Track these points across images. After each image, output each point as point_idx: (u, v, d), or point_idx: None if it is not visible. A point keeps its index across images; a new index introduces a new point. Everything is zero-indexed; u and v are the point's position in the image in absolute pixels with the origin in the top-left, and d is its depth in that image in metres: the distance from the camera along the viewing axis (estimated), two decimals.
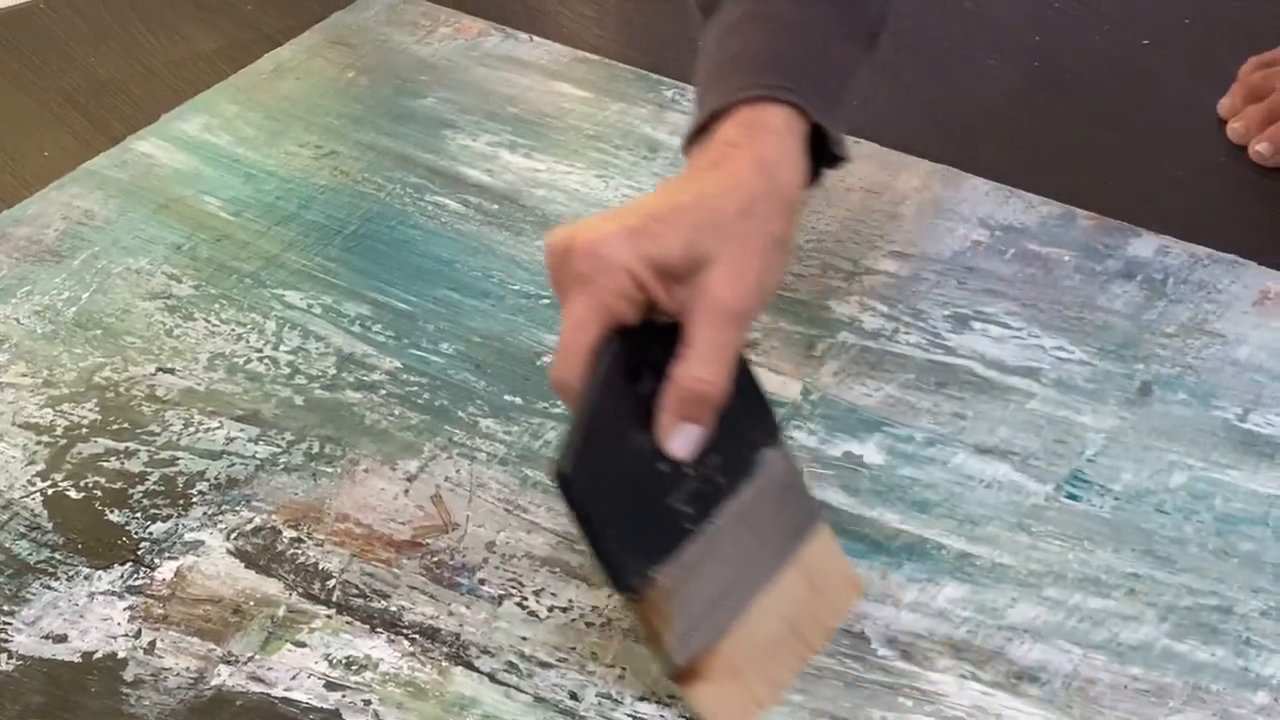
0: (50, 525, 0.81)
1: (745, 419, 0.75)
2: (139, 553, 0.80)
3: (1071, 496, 0.82)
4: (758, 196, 0.74)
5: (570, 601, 0.78)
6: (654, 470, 0.71)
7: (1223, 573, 0.79)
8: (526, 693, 0.74)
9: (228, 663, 0.75)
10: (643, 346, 0.71)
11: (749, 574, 0.75)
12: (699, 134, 0.78)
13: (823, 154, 0.80)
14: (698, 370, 0.71)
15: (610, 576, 0.71)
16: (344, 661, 0.75)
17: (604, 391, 0.70)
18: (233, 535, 0.80)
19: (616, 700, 0.74)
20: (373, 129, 1.04)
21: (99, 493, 0.82)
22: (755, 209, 0.74)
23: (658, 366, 0.71)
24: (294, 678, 0.75)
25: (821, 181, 0.81)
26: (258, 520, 0.81)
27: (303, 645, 0.76)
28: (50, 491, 0.82)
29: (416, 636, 0.76)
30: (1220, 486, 0.83)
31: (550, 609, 0.77)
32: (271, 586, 0.78)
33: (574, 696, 0.74)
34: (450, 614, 0.77)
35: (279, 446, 0.85)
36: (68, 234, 0.97)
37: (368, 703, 0.74)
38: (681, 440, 0.72)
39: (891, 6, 0.86)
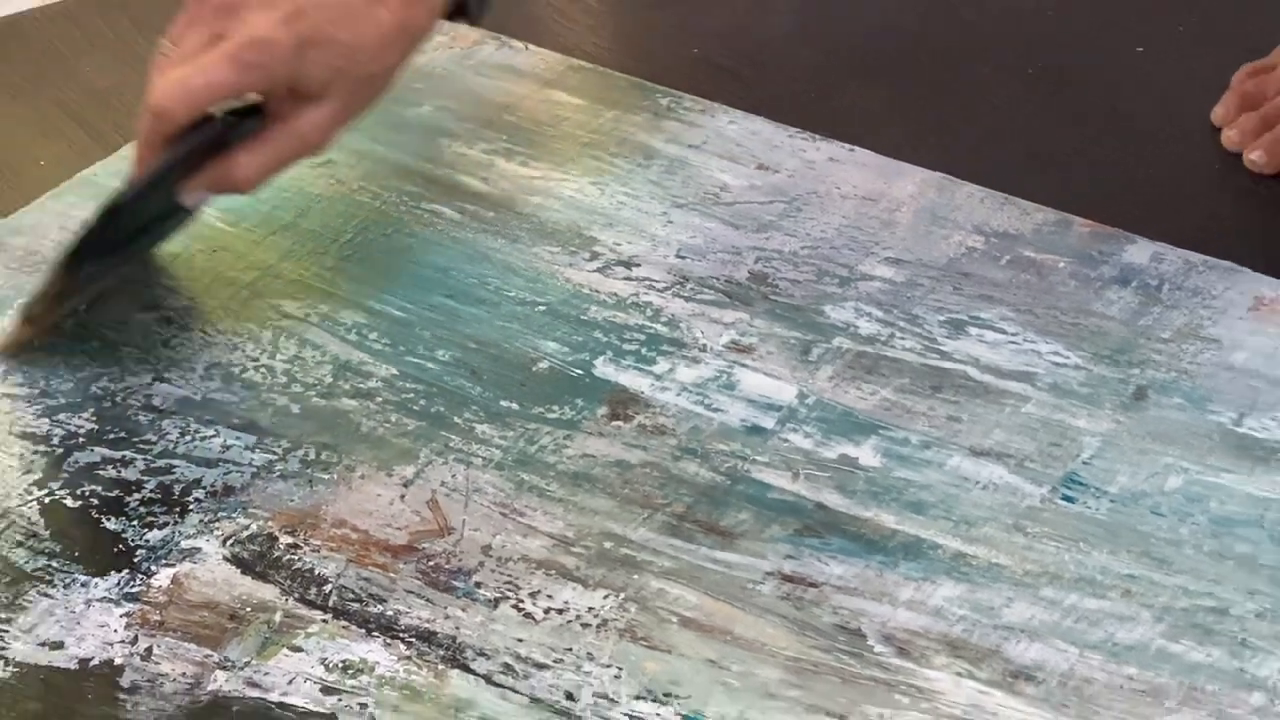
0: (47, 533, 0.81)
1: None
2: (136, 560, 0.80)
3: (1067, 499, 0.82)
4: (390, 60, 0.88)
5: (566, 603, 0.78)
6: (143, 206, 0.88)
7: (1218, 574, 0.79)
8: (523, 694, 0.74)
9: (224, 668, 0.75)
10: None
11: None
12: None
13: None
14: (251, 170, 0.86)
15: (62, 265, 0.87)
16: (340, 665, 0.75)
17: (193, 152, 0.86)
18: (229, 542, 0.81)
19: (613, 700, 0.74)
20: (369, 137, 1.04)
21: (95, 501, 0.83)
22: (382, 71, 0.88)
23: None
24: (290, 682, 0.75)
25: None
26: (254, 527, 0.81)
27: (299, 650, 0.76)
28: (47, 500, 0.83)
29: (413, 640, 0.76)
30: (1216, 490, 0.83)
31: (546, 611, 0.78)
32: (268, 592, 0.78)
33: (570, 697, 0.74)
34: (446, 617, 0.77)
35: (275, 454, 0.85)
36: (64, 244, 0.97)
37: (364, 706, 0.74)
38: (194, 198, 0.88)
39: None
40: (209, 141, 0.86)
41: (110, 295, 0.93)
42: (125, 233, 0.89)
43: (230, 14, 0.84)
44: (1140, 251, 0.97)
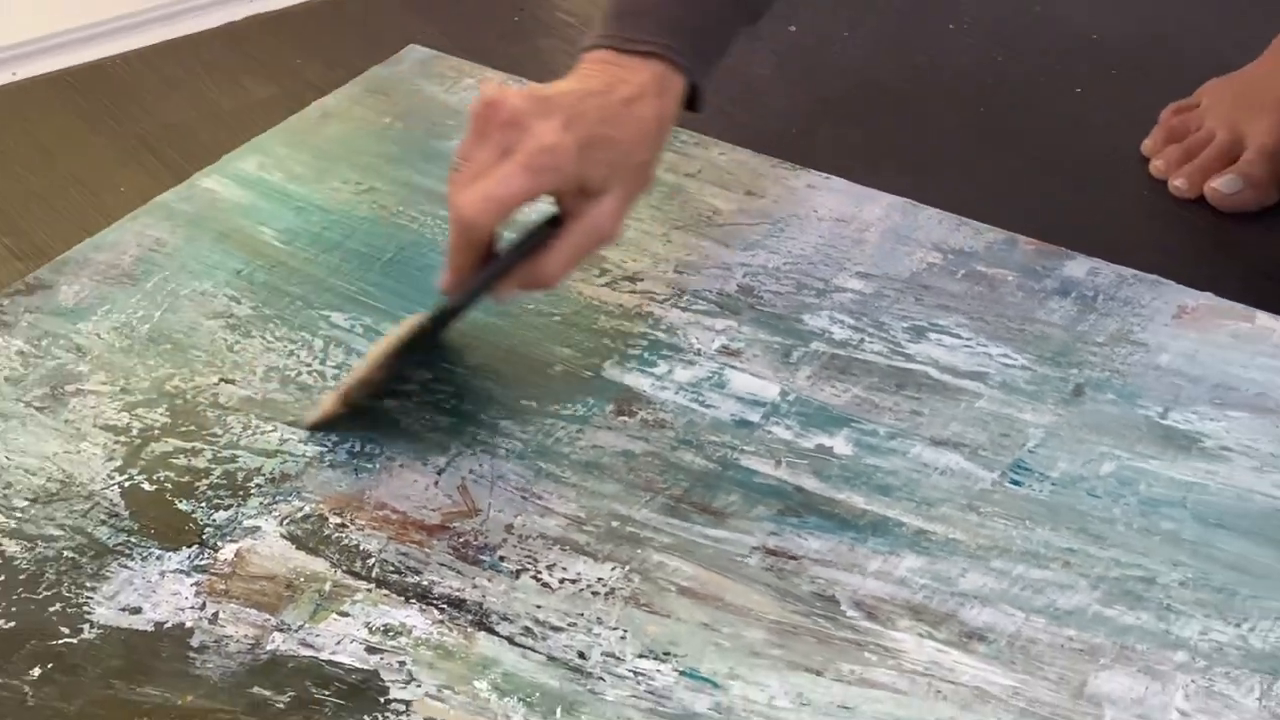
0: (127, 513, 0.81)
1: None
2: (204, 537, 0.80)
3: (1014, 482, 0.82)
4: (653, 148, 0.84)
5: (578, 574, 0.78)
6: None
7: (1146, 548, 0.79)
8: (541, 653, 0.74)
9: (281, 630, 0.75)
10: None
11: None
12: (600, 49, 0.85)
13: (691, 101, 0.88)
14: (556, 268, 0.82)
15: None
16: (382, 629, 0.76)
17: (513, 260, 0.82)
18: (285, 521, 0.81)
19: (619, 658, 0.74)
20: (407, 167, 1.04)
21: (169, 485, 0.83)
22: (650, 159, 0.84)
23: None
24: (339, 643, 0.75)
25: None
26: (307, 509, 0.81)
27: (346, 615, 0.76)
28: (127, 484, 0.83)
29: (445, 606, 0.77)
30: (1144, 474, 0.83)
31: (561, 581, 0.78)
32: (319, 565, 0.79)
33: (582, 655, 0.74)
34: (474, 587, 0.77)
35: (326, 446, 0.85)
36: (141, 260, 0.97)
37: (403, 664, 0.74)
38: (507, 297, 0.85)
39: None
40: (526, 249, 0.82)
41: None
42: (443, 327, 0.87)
43: (515, 128, 0.79)
44: (1078, 266, 0.96)
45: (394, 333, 0.86)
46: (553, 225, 0.83)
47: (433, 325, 0.85)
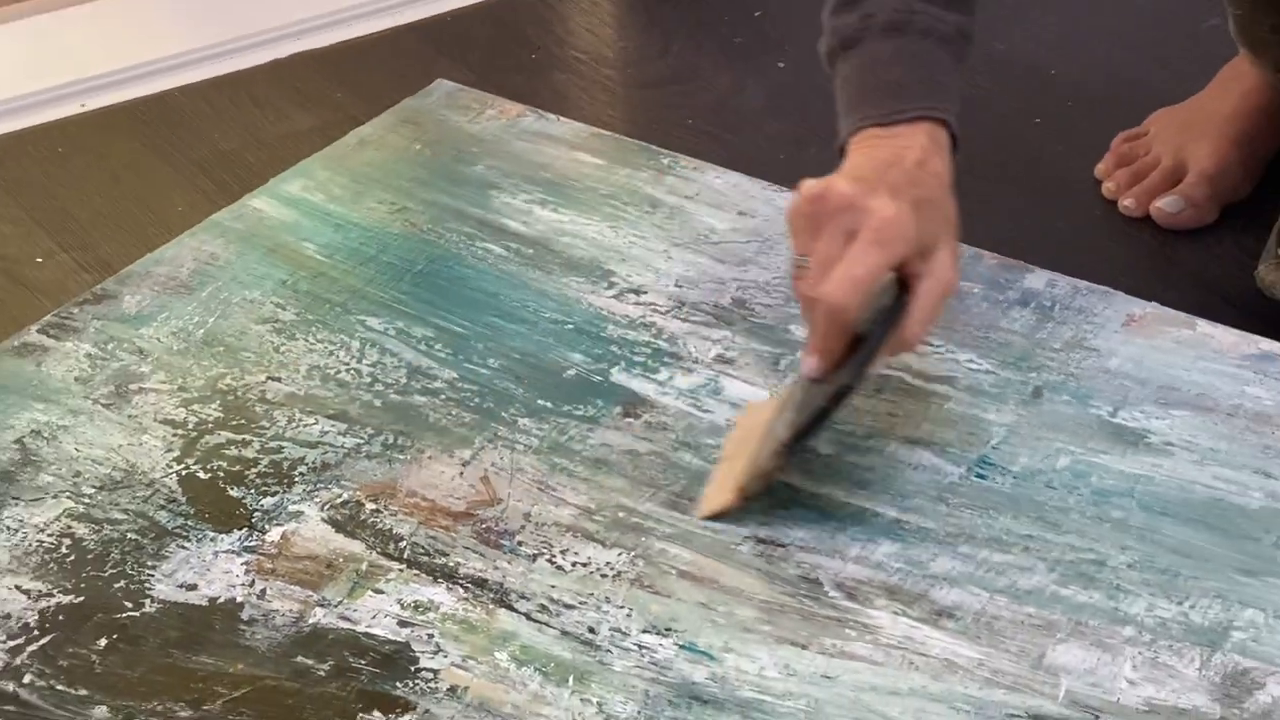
0: (184, 499, 0.81)
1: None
2: (253, 520, 0.80)
3: (980, 476, 0.82)
4: (949, 194, 0.81)
5: (589, 558, 0.78)
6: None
7: (1098, 534, 0.79)
8: (555, 628, 0.74)
9: (322, 606, 0.75)
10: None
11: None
12: (866, 129, 0.83)
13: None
14: (918, 327, 0.78)
15: (795, 442, 0.78)
16: (413, 605, 0.75)
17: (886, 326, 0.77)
18: (326, 507, 0.80)
19: (625, 633, 0.74)
20: (435, 189, 1.03)
21: (222, 474, 0.82)
22: (953, 204, 0.81)
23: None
24: (374, 617, 0.75)
25: None
26: (345, 495, 0.81)
27: (380, 592, 0.76)
28: (184, 473, 0.83)
29: (469, 585, 0.76)
30: (1096, 468, 0.82)
31: (573, 564, 0.78)
32: (356, 547, 0.78)
33: (592, 630, 0.74)
34: (495, 568, 0.77)
35: (362, 439, 0.85)
36: (197, 272, 0.96)
37: (431, 636, 0.74)
38: (879, 365, 0.81)
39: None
40: (888, 318, 0.78)
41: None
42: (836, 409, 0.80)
43: (851, 210, 0.76)
44: (1037, 279, 0.96)
45: (763, 408, 0.82)
46: (900, 289, 0.79)
47: (827, 408, 0.78)
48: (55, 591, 0.76)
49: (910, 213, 0.77)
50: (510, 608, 0.75)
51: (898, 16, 0.85)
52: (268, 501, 0.81)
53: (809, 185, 0.78)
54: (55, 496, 0.81)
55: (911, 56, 0.85)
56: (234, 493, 0.81)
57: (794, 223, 0.79)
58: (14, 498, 0.81)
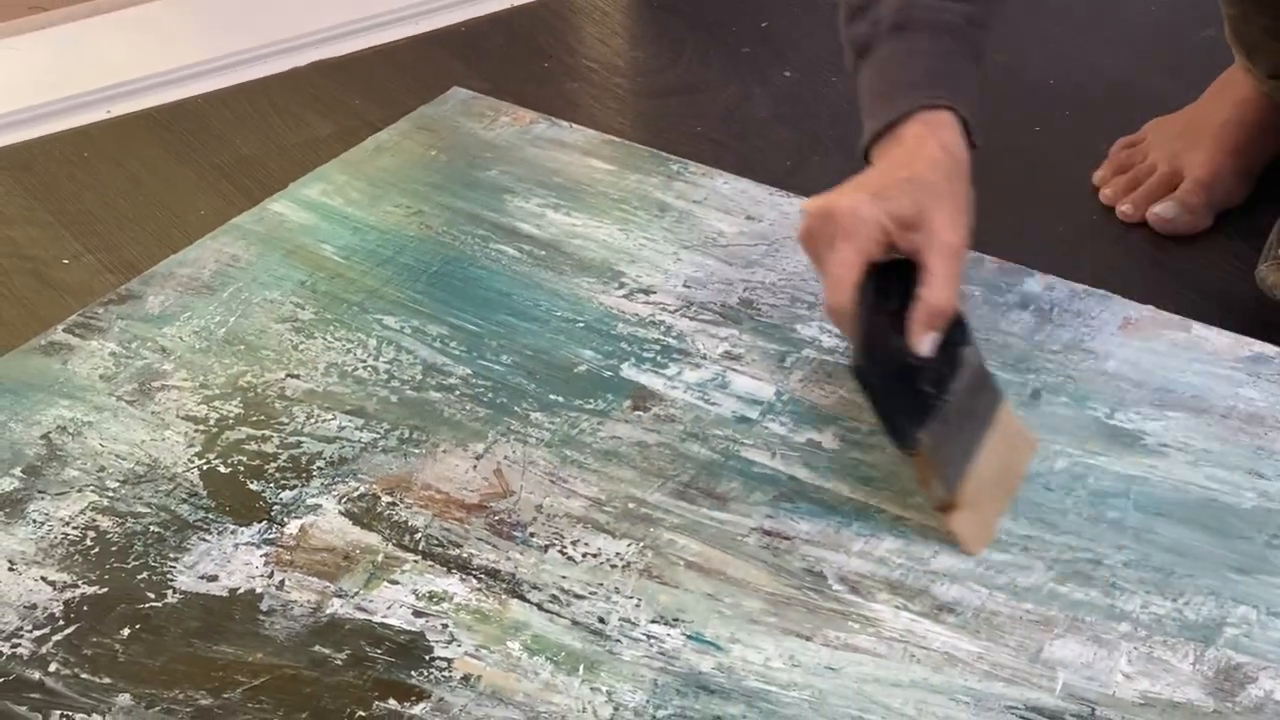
0: (205, 493, 0.81)
1: (951, 327, 0.80)
2: (272, 514, 0.80)
3: None
4: (951, 170, 0.81)
5: (599, 549, 0.78)
6: (906, 364, 0.78)
7: (1095, 534, 0.79)
8: (566, 618, 0.74)
9: (339, 596, 0.75)
10: (885, 277, 0.79)
11: (974, 433, 0.80)
12: (879, 136, 0.84)
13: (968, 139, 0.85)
14: (939, 293, 0.78)
15: (894, 437, 0.77)
16: (427, 595, 0.75)
17: (871, 311, 0.78)
18: (343, 500, 0.81)
19: (634, 623, 0.74)
20: (450, 194, 1.04)
21: (242, 468, 0.83)
22: (952, 177, 0.81)
23: (898, 290, 0.79)
24: (389, 607, 0.75)
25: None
26: (362, 489, 0.81)
27: (396, 583, 0.76)
28: (205, 467, 0.83)
29: (482, 576, 0.76)
30: (1092, 469, 0.82)
31: (584, 555, 0.78)
32: (372, 539, 0.78)
33: (601, 620, 0.74)
34: (508, 559, 0.77)
35: (378, 433, 0.85)
36: (219, 273, 0.97)
37: (445, 626, 0.74)
38: (928, 342, 0.79)
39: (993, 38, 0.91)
40: (875, 298, 0.79)
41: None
42: (923, 392, 0.79)
43: (823, 219, 0.80)
44: (1036, 283, 0.96)
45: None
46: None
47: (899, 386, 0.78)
48: (80, 582, 0.76)
49: (870, 199, 0.78)
50: (522, 598, 0.75)
51: (900, 16, 0.85)
52: (286, 495, 0.81)
53: (812, 204, 0.80)
54: (80, 490, 0.81)
55: (911, 54, 0.85)
56: (254, 486, 0.81)
57: (804, 247, 0.82)
58: (40, 491, 0.81)
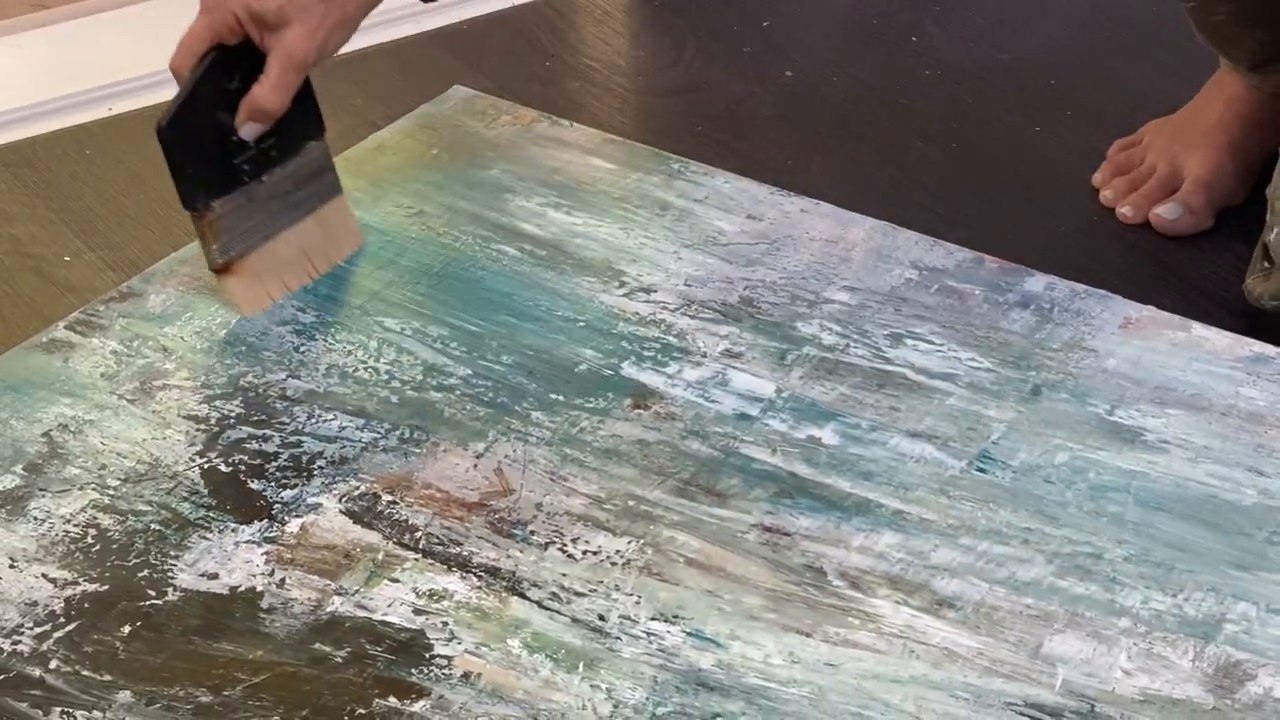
0: (206, 491, 0.81)
1: (300, 121, 0.91)
2: (273, 512, 0.80)
3: (980, 470, 0.82)
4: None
5: (599, 547, 0.78)
6: (228, 141, 0.88)
7: (1095, 528, 0.79)
8: (566, 615, 0.74)
9: (340, 594, 0.75)
10: (239, 61, 0.88)
11: (280, 217, 0.92)
12: None
13: None
14: (264, 93, 0.88)
15: (182, 198, 0.88)
16: (428, 593, 0.76)
17: (200, 82, 0.87)
18: (343, 499, 0.81)
19: (634, 620, 0.74)
20: (451, 194, 1.04)
21: (243, 467, 0.83)
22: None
23: (246, 77, 0.88)
24: (390, 605, 0.75)
25: None
26: (363, 488, 0.81)
27: (396, 581, 0.76)
28: (206, 466, 0.83)
29: (482, 574, 0.77)
30: (1093, 463, 0.82)
31: (584, 552, 0.78)
32: (373, 537, 0.79)
33: (601, 618, 0.74)
34: (508, 557, 0.77)
35: (379, 433, 0.85)
36: None
37: (445, 624, 0.74)
38: (248, 129, 0.89)
39: None
40: (207, 73, 0.87)
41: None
42: (235, 168, 0.90)
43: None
44: (1037, 282, 0.96)
45: None
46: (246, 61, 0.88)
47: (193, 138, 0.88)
48: (81, 580, 0.76)
49: None
50: (522, 596, 0.75)
51: None
52: (287, 493, 0.81)
53: None
54: (81, 488, 0.81)
55: None
56: (254, 485, 0.82)
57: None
58: (41, 489, 0.81)
